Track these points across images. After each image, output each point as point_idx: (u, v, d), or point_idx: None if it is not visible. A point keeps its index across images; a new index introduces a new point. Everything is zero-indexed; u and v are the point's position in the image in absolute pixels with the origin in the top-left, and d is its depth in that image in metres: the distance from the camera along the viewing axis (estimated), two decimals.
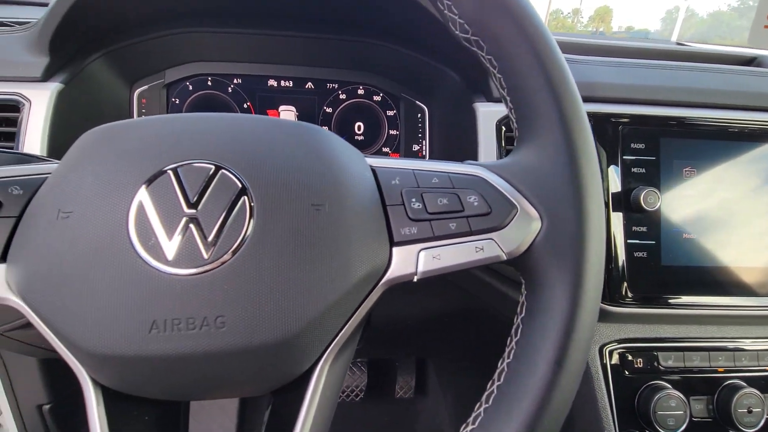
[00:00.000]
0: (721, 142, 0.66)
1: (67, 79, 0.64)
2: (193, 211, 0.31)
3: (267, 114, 0.80)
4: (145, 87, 0.77)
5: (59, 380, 0.80)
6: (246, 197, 0.31)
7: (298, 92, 0.80)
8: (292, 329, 0.30)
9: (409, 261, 0.34)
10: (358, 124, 0.82)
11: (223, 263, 0.30)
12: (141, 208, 0.30)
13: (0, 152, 0.49)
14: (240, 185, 0.32)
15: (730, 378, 0.66)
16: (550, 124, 0.36)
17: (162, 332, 0.29)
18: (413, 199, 0.36)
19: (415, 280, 0.34)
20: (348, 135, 0.83)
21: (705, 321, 0.68)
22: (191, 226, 0.30)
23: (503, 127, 0.67)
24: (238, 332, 0.29)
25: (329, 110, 0.81)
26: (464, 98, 0.71)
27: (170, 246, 0.30)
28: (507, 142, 0.67)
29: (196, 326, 0.29)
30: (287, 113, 0.81)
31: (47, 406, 0.79)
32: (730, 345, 0.68)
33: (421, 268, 0.34)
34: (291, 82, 0.80)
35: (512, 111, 0.39)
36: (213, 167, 0.32)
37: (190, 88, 0.78)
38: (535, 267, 0.35)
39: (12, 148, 0.61)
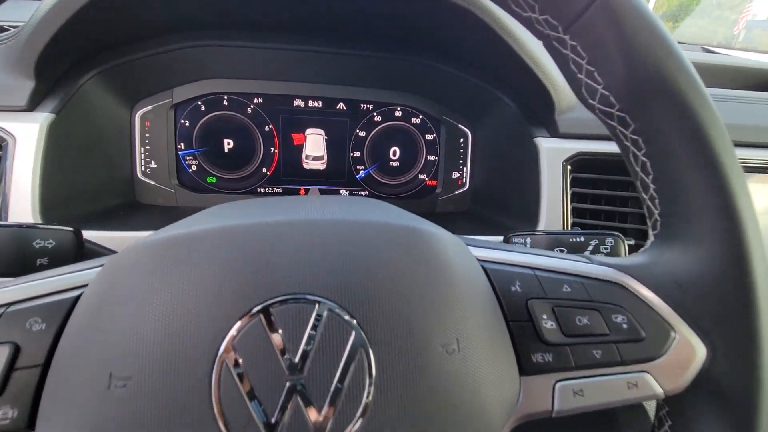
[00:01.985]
0: None
1: (58, 106, 0.53)
2: (299, 372, 0.23)
3: (291, 138, 0.70)
4: (149, 108, 0.65)
5: None
6: (362, 349, 0.23)
7: (328, 113, 0.70)
8: None
9: (544, 395, 0.28)
10: (393, 148, 0.74)
11: None
12: (229, 377, 0.22)
13: None
14: (353, 332, 0.24)
15: None
16: (718, 228, 0.29)
17: None
18: (544, 316, 0.29)
19: (552, 416, 0.28)
20: (382, 161, 0.74)
21: None
22: (297, 394, 0.22)
23: (569, 167, 0.59)
24: None
25: (362, 134, 0.72)
26: (520, 129, 0.63)
27: (273, 427, 0.22)
28: (573, 183, 0.60)
29: None
30: (315, 137, 0.71)
31: None
32: None
33: (559, 406, 0.28)
34: (320, 102, 0.70)
35: (655, 201, 0.32)
36: (315, 304, 0.24)
37: (203, 108, 0.67)
38: (690, 411, 0.29)
39: None
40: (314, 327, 0.23)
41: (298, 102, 0.69)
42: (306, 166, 0.72)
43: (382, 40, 0.64)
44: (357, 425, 0.22)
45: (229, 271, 0.24)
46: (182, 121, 0.67)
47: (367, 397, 0.23)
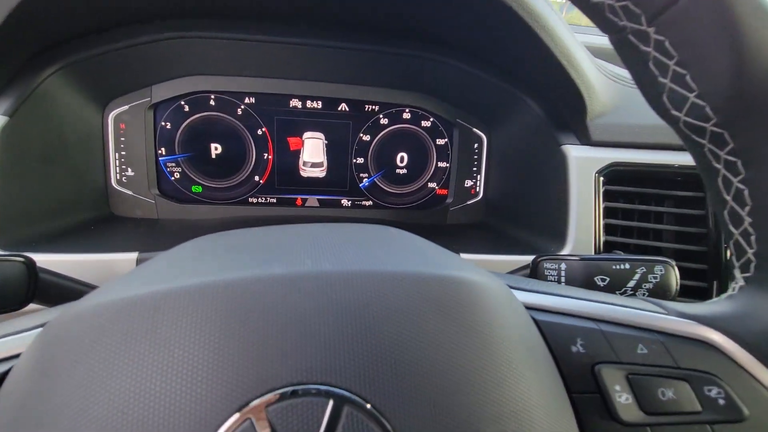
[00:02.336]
0: None
1: (12, 107, 0.45)
2: None
3: (287, 142, 0.63)
4: (125, 108, 0.57)
5: None
6: None
7: (329, 115, 0.63)
8: None
9: None
10: (400, 154, 0.66)
11: None
12: None
13: None
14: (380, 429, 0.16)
15: None
16: None
17: None
18: (617, 387, 0.23)
19: None
20: (388, 168, 0.67)
21: None
22: None
23: (602, 178, 0.53)
24: None
25: (366, 138, 0.65)
26: (545, 135, 0.57)
27: None
28: (606, 197, 0.53)
29: None
30: (314, 141, 0.63)
31: None
32: None
33: None
34: (319, 103, 0.62)
35: (750, 237, 0.26)
36: (330, 402, 0.16)
37: (186, 109, 0.59)
38: None
39: None
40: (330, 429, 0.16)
41: (295, 102, 0.62)
42: (303, 174, 0.65)
43: (389, 34, 0.57)
44: None
45: (207, 350, 0.17)
46: (163, 123, 0.59)
47: None
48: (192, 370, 0.16)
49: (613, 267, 0.42)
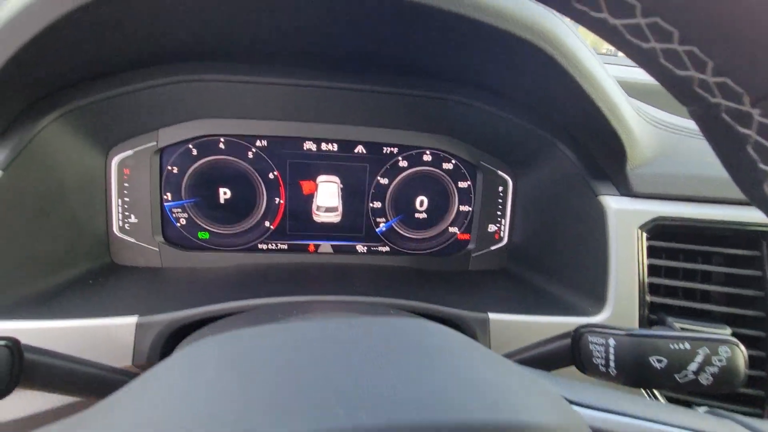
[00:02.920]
0: None
1: (6, 160, 0.41)
2: None
3: (300, 186, 0.59)
4: (129, 153, 0.54)
5: None
6: None
7: (344, 158, 0.59)
8: None
9: None
10: (420, 198, 0.62)
11: None
12: None
13: None
14: None
15: None
16: None
17: None
18: None
19: None
20: (407, 212, 0.62)
21: None
22: None
23: (645, 234, 0.48)
24: None
25: (384, 181, 0.61)
26: (579, 182, 0.52)
27: None
28: (651, 253, 0.48)
29: None
30: (328, 185, 0.59)
31: None
32: None
33: None
34: (335, 145, 0.59)
35: None
36: None
37: (194, 153, 0.56)
38: None
39: None
40: None
41: (309, 145, 0.58)
42: (317, 219, 0.61)
43: (409, 75, 0.53)
44: None
45: None
46: (169, 168, 0.56)
47: None
48: None
49: (671, 346, 0.37)
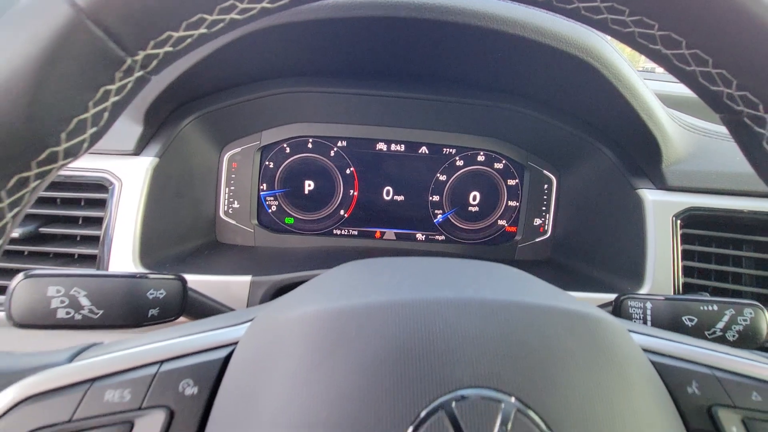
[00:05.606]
0: None
1: (161, 150, 0.54)
2: None
3: (371, 181, 0.70)
4: (237, 150, 0.66)
5: None
6: None
7: (410, 158, 0.69)
8: None
9: None
10: (473, 193, 0.71)
11: None
12: None
13: (100, 277, 0.38)
14: None
15: None
16: None
17: None
18: (734, 429, 0.24)
19: None
20: (461, 206, 0.72)
21: None
22: None
23: (679, 222, 0.55)
24: None
25: (443, 178, 0.70)
26: (618, 179, 0.60)
27: None
28: (684, 240, 0.55)
29: None
30: (395, 181, 0.70)
31: None
32: None
33: None
34: (402, 146, 0.69)
35: None
36: (501, 403, 0.20)
37: (287, 150, 0.68)
38: None
39: (98, 237, 0.51)
40: (502, 427, 0.20)
41: (381, 146, 0.69)
42: (384, 210, 0.71)
43: (469, 86, 0.63)
44: None
45: (406, 357, 0.21)
46: (267, 163, 0.68)
47: None
48: (390, 372, 0.21)
49: (702, 308, 0.43)
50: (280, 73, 0.61)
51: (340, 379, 0.21)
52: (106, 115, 0.22)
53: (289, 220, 0.70)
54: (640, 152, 0.58)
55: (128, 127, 0.53)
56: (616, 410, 0.22)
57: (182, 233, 0.60)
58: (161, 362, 0.24)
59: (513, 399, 0.21)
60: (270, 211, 0.69)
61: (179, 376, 0.23)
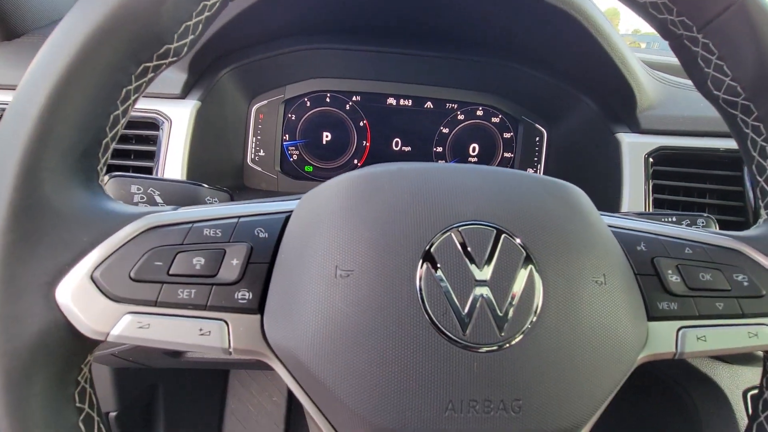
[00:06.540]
0: None
1: (202, 95, 0.62)
2: (484, 280, 0.28)
3: (382, 132, 0.78)
4: (264, 102, 0.75)
5: (126, 389, 0.79)
6: (532, 267, 0.29)
7: (417, 112, 0.78)
8: (585, 415, 0.28)
9: (668, 339, 0.31)
10: (473, 145, 0.80)
11: (516, 341, 0.27)
12: (430, 275, 0.28)
13: (169, 182, 0.47)
14: (524, 253, 0.29)
15: None
16: None
17: (458, 413, 0.27)
18: (669, 271, 0.32)
19: (674, 358, 0.32)
20: (462, 156, 0.80)
21: None
22: (483, 298, 0.28)
23: (651, 159, 0.64)
24: (533, 418, 0.27)
25: (445, 131, 0.79)
26: (600, 127, 0.68)
27: (465, 320, 0.27)
28: (655, 176, 0.63)
29: (492, 409, 0.27)
30: (403, 132, 0.78)
31: (113, 414, 0.78)
32: None
33: (683, 348, 0.31)
34: (410, 101, 0.77)
35: None
36: (494, 230, 0.29)
37: (308, 104, 0.76)
38: None
39: (151, 169, 0.60)
40: (494, 245, 0.29)
41: (391, 100, 0.77)
42: (393, 159, 0.79)
43: (469, 44, 0.71)
44: (531, 330, 0.27)
45: (424, 200, 0.30)
46: (289, 115, 0.76)
47: (537, 306, 0.28)
48: (414, 210, 0.29)
49: (663, 219, 0.52)
50: (302, 30, 0.69)
51: (376, 215, 0.29)
52: (200, 27, 0.31)
53: (308, 168, 0.79)
54: (617, 100, 0.66)
55: (175, 75, 0.62)
56: (582, 242, 0.31)
57: (217, 174, 0.69)
58: (239, 217, 0.32)
59: (504, 230, 0.29)
60: (291, 159, 0.78)
61: (254, 225, 0.32)
